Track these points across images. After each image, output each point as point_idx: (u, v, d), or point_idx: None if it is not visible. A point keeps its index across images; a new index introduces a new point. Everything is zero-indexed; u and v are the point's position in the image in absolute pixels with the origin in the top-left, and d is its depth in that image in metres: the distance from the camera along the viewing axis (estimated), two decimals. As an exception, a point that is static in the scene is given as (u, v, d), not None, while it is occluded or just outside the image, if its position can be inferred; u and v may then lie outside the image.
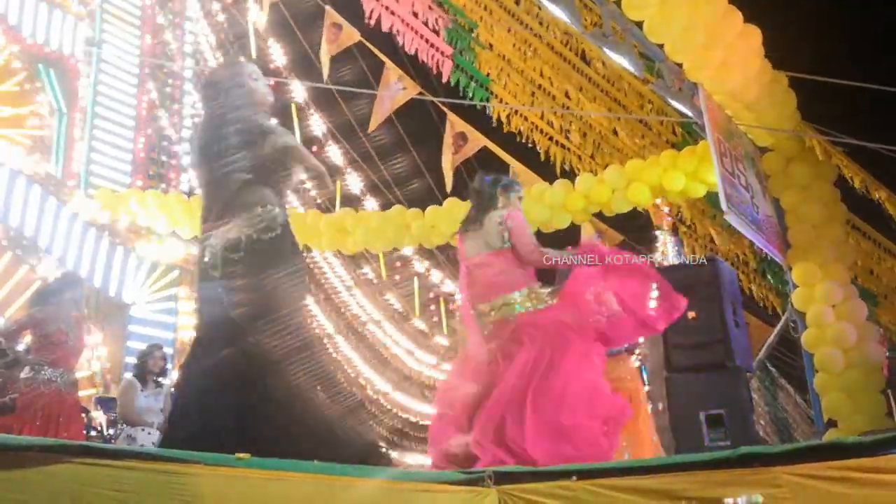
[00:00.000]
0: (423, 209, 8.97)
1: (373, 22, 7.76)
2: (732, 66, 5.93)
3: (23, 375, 5.36)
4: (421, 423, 16.98)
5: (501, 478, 2.59)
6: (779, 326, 7.41)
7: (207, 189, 3.20)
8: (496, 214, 3.90)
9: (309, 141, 11.85)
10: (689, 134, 8.11)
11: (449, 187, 8.85)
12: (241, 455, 2.09)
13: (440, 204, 8.97)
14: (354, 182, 12.59)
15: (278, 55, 11.74)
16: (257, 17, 11.72)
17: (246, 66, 3.43)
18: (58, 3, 10.29)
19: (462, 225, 4.10)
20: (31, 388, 5.27)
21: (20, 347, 5.74)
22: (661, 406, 6.33)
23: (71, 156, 9.94)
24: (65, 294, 5.65)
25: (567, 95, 8.43)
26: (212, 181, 3.13)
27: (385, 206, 11.12)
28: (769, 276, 8.83)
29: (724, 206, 5.83)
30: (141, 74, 10.94)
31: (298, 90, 11.61)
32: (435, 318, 16.91)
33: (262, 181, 3.08)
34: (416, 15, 7.99)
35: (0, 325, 7.09)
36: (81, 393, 6.36)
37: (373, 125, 8.80)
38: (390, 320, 16.56)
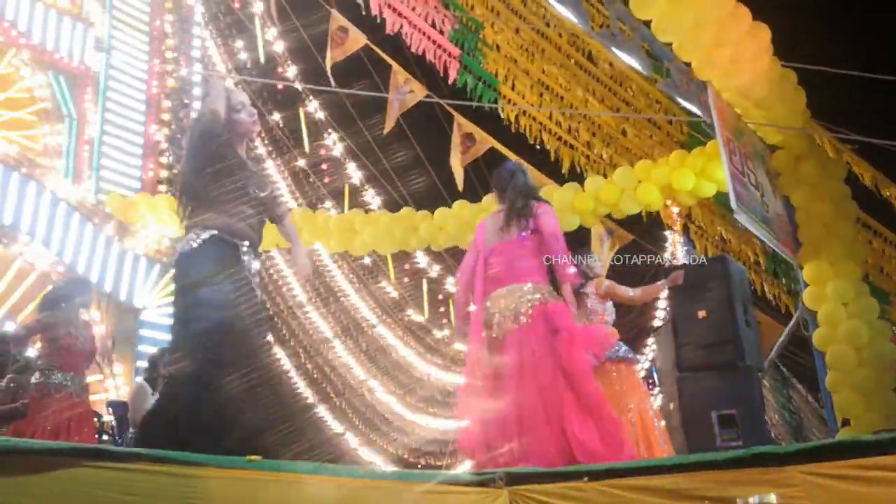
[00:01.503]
0: (432, 211, 8.98)
1: (379, 19, 7.77)
2: (741, 64, 5.91)
3: (33, 380, 5.37)
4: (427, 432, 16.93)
5: (512, 479, 2.58)
6: (790, 325, 7.37)
7: (188, 197, 3.28)
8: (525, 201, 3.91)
9: (315, 138, 11.94)
10: (697, 134, 8.09)
11: (461, 187, 8.84)
12: (253, 457, 2.09)
13: (448, 206, 8.98)
14: (357, 178, 12.61)
15: (285, 62, 11.78)
16: (263, 19, 11.76)
17: (237, 94, 3.48)
18: (67, 10, 10.35)
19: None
20: (41, 392, 5.27)
21: (30, 353, 5.75)
22: (671, 406, 6.31)
23: (81, 161, 9.99)
24: (73, 298, 5.66)
25: (571, 93, 8.43)
26: (194, 192, 3.24)
27: (392, 207, 11.15)
28: (780, 275, 8.78)
29: (733, 204, 5.81)
30: (149, 79, 10.98)
31: (302, 87, 11.65)
32: (444, 321, 16.90)
33: (208, 204, 3.18)
34: (422, 16, 7.99)
35: (9, 330, 7.12)
36: (93, 397, 6.37)
37: (388, 127, 8.81)
38: (398, 322, 16.55)
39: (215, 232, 3.12)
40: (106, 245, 9.22)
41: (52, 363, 5.34)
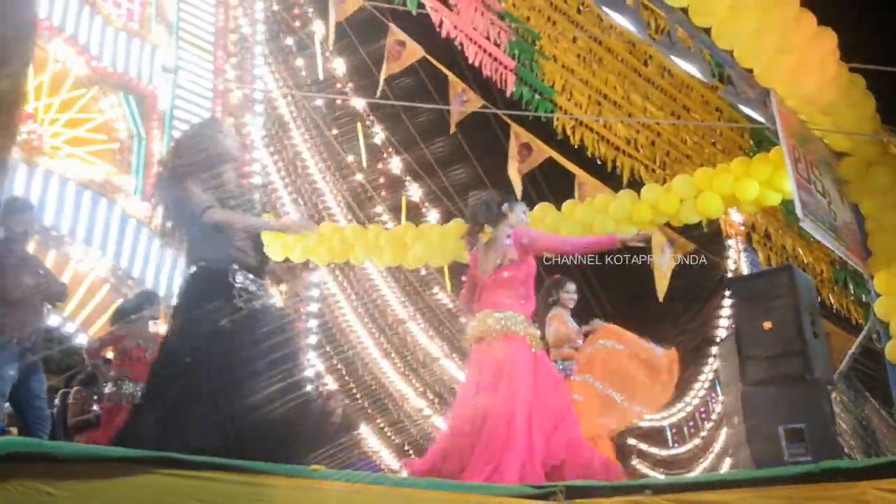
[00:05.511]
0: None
1: (444, 33, 7.87)
2: (806, 71, 5.76)
3: (105, 391, 5.57)
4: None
5: (573, 492, 2.56)
6: (861, 336, 7.11)
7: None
8: (504, 230, 4.15)
9: (372, 150, 12.12)
10: (759, 143, 7.89)
11: (519, 196, 8.81)
12: (316, 466, 2.13)
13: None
14: (416, 193, 12.75)
15: (342, 70, 12.03)
16: (323, 37, 12.03)
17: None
18: (136, 32, 10.74)
19: (468, 239, 4.31)
20: (113, 402, 5.46)
21: (101, 364, 5.94)
22: (736, 420, 6.15)
23: (150, 178, 10.33)
24: (143, 311, 5.86)
25: (632, 103, 8.35)
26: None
27: (446, 217, 11.21)
28: (849, 285, 8.50)
29: (799, 212, 5.66)
30: (214, 98, 11.30)
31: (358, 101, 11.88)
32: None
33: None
34: (479, 31, 8.04)
35: (84, 343, 7.39)
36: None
37: (452, 126, 8.89)
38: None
39: (202, 264, 3.36)
40: (173, 261, 9.51)
41: (124, 374, 5.54)
